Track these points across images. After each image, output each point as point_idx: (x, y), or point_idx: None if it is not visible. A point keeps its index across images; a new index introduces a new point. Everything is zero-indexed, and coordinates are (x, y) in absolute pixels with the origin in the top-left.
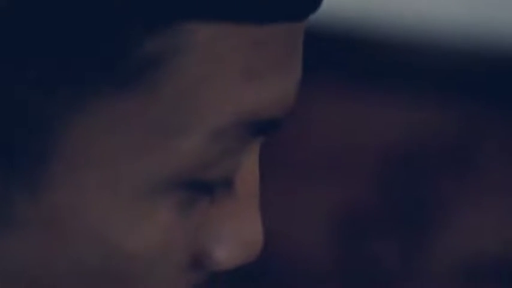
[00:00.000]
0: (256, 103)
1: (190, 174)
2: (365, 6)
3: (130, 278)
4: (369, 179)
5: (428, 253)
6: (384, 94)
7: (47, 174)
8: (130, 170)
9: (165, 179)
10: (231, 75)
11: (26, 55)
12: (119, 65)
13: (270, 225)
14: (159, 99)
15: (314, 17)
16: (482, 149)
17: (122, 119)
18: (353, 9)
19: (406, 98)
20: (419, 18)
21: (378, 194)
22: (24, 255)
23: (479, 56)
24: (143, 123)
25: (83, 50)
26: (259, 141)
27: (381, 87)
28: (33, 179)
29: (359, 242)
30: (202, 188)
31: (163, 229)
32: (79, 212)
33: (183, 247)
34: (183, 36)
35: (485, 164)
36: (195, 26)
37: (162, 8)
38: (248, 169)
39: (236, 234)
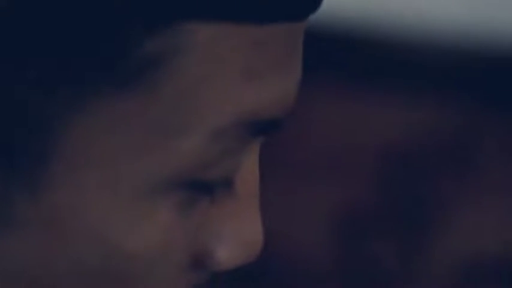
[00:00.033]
0: (257, 103)
1: (190, 174)
2: (365, 6)
3: (130, 278)
4: (369, 178)
5: (428, 253)
6: (383, 94)
7: (47, 174)
8: (131, 170)
9: (165, 179)
10: (231, 75)
11: (26, 55)
12: (119, 65)
13: (269, 225)
14: (159, 99)
15: (314, 17)
16: (481, 148)
17: (122, 119)
18: (353, 9)
19: (406, 98)
20: (419, 18)
21: (378, 194)
22: (24, 255)
23: (479, 56)
24: (143, 123)
25: (83, 50)
26: (260, 141)
27: (380, 87)
28: (33, 179)
29: (359, 242)
30: (202, 188)
31: (163, 229)
32: (79, 212)
33: (183, 247)
34: (183, 36)
35: (485, 164)
36: (195, 26)
37: (162, 8)
38: (248, 169)
39: (236, 234)
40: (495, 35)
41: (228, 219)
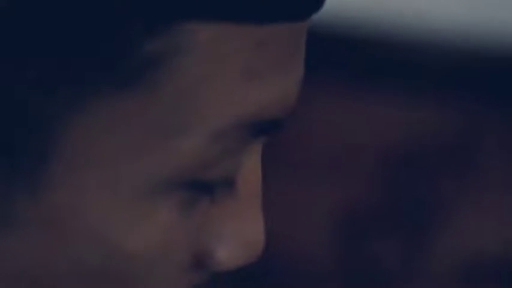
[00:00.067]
0: (257, 103)
1: (190, 174)
2: (365, 5)
3: (130, 278)
4: (370, 179)
5: (429, 253)
6: (383, 94)
7: (47, 174)
8: (131, 170)
9: (166, 179)
10: (232, 75)
11: (26, 55)
12: (119, 65)
13: (271, 225)
14: (159, 99)
15: (314, 16)
16: (482, 148)
17: (122, 119)
18: (353, 9)
19: (406, 98)
20: (419, 18)
21: (379, 194)
22: (24, 255)
23: (479, 56)
24: (143, 123)
25: (83, 50)
26: (261, 141)
27: (380, 87)
28: (34, 179)
29: (360, 242)
30: (203, 188)
31: (163, 229)
32: (79, 212)
33: (184, 247)
34: (184, 36)
35: (485, 164)
36: (195, 26)
37: (162, 8)
38: (250, 169)
39: (238, 234)
40: (495, 35)
41: (229, 219)
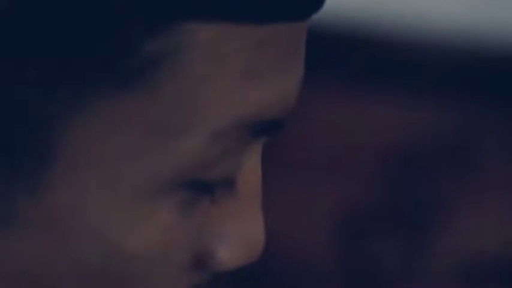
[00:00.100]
0: (258, 103)
1: (191, 174)
2: (364, 5)
3: (130, 278)
4: (370, 179)
5: (429, 253)
6: (383, 94)
7: (48, 174)
8: (131, 170)
9: (166, 179)
10: (232, 75)
11: (26, 55)
12: (119, 65)
13: (271, 225)
14: (159, 99)
15: (314, 16)
16: (482, 148)
17: (122, 119)
18: (352, 9)
19: (406, 98)
20: (419, 18)
21: (379, 194)
22: (24, 255)
23: (479, 56)
24: (143, 123)
25: (83, 50)
26: (261, 141)
27: (380, 87)
28: (34, 179)
29: (360, 242)
30: (203, 188)
31: (163, 229)
32: (79, 212)
33: (184, 247)
34: (184, 36)
35: (485, 163)
36: (195, 26)
37: (162, 8)
38: (250, 169)
39: (238, 234)
40: (495, 34)
41: (230, 219)
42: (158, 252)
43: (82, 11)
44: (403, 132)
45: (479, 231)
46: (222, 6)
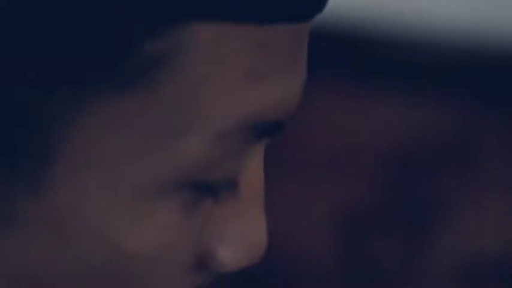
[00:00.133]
0: (260, 104)
1: (193, 175)
2: (364, 5)
3: (131, 278)
4: (370, 179)
5: (429, 253)
6: (383, 93)
7: (48, 174)
8: (131, 170)
9: (167, 179)
10: (234, 76)
11: (26, 55)
12: (119, 65)
13: (272, 225)
14: (160, 100)
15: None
16: (482, 148)
17: (123, 119)
18: (352, 9)
19: (406, 97)
20: (419, 17)
21: (379, 194)
22: (24, 255)
23: (479, 55)
24: (144, 123)
25: (83, 50)
26: (264, 142)
27: (380, 87)
28: (35, 179)
29: (360, 242)
30: (205, 189)
31: (165, 229)
32: (80, 212)
33: (186, 248)
34: (185, 36)
35: (485, 163)
36: (196, 27)
37: (162, 8)
38: (253, 170)
39: (240, 235)
40: (495, 34)
41: (232, 220)
42: (159, 253)
43: (82, 11)
44: (403, 132)
45: (479, 231)
46: (222, 6)
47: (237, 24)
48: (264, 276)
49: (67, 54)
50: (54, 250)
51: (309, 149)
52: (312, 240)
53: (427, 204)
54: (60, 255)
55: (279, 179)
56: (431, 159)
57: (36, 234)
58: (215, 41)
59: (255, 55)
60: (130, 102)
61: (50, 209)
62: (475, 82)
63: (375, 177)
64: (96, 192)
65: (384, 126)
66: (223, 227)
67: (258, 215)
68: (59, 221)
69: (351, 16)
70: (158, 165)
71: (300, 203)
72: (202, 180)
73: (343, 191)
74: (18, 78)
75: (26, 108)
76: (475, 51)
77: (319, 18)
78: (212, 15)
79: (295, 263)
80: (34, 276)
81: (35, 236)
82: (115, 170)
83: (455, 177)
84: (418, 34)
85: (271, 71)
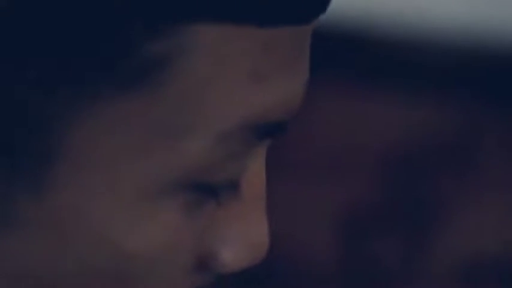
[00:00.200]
0: (263, 105)
1: (195, 177)
2: (364, 5)
3: (132, 278)
4: (370, 179)
5: (429, 253)
6: (383, 93)
7: (49, 174)
8: (134, 171)
9: (170, 180)
10: (237, 77)
11: (26, 55)
12: (119, 65)
13: (273, 226)
14: (163, 101)
15: None
16: (482, 147)
17: (125, 120)
18: (352, 8)
19: (406, 97)
20: (419, 17)
21: (379, 194)
22: (25, 255)
23: (479, 55)
24: (147, 124)
25: (83, 50)
26: (266, 144)
27: (380, 86)
28: (35, 179)
29: (361, 242)
30: (207, 190)
31: (167, 230)
32: (82, 213)
33: (188, 249)
34: (188, 37)
35: (485, 163)
36: (199, 28)
37: (162, 9)
38: (254, 172)
39: (242, 236)
40: (495, 33)
41: (234, 221)
42: (161, 254)
43: (82, 11)
44: (403, 132)
45: (479, 231)
46: (224, 8)
47: (239, 25)
48: (265, 276)
49: (67, 54)
50: (54, 250)
51: (309, 149)
52: (312, 241)
53: (427, 204)
54: (60, 255)
55: (280, 179)
56: (431, 159)
57: (36, 234)
58: (217, 42)
59: (257, 56)
60: (132, 103)
61: (50, 209)
62: (475, 82)
63: (374, 177)
64: (97, 193)
65: (384, 126)
66: (225, 228)
67: (259, 216)
68: (60, 221)
69: (351, 16)
70: (160, 166)
71: (300, 203)
72: (204, 182)
73: (343, 191)
74: (18, 78)
75: (26, 108)
76: (475, 50)
77: (320, 18)
78: (214, 17)
79: (296, 263)
80: (34, 276)
81: (35, 236)
82: (116, 170)
83: (455, 177)
84: (418, 34)
85: (273, 71)
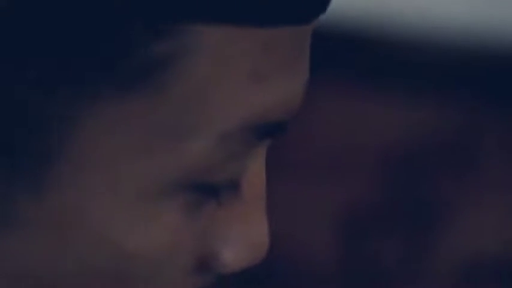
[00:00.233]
0: (263, 106)
1: (196, 177)
2: (364, 4)
3: (134, 279)
4: (370, 179)
5: (429, 253)
6: (383, 93)
7: (49, 174)
8: (135, 171)
9: (171, 181)
10: (239, 78)
11: (26, 55)
12: (120, 65)
13: (273, 226)
14: (165, 101)
15: None
16: (482, 147)
17: (126, 120)
18: (352, 8)
19: (406, 97)
20: (419, 17)
21: (379, 194)
22: (25, 255)
23: (480, 55)
24: (148, 125)
25: (83, 50)
26: (266, 144)
27: (380, 86)
28: (35, 179)
29: (362, 242)
30: (208, 190)
31: (168, 231)
32: (82, 213)
33: (189, 249)
34: (191, 38)
35: (485, 163)
36: (202, 28)
37: (161, 9)
38: (255, 172)
39: (243, 236)
40: (496, 33)
41: (235, 221)
42: (162, 254)
43: (82, 11)
44: (403, 132)
45: (479, 231)
46: (226, 9)
47: (240, 26)
48: (265, 276)
49: (67, 54)
50: (54, 250)
51: (309, 149)
52: (312, 241)
53: (427, 204)
54: (60, 255)
55: (280, 179)
56: (432, 159)
57: (36, 234)
58: (220, 43)
59: (258, 56)
60: (134, 104)
61: (50, 209)
62: (475, 82)
63: (374, 177)
64: (97, 193)
65: (384, 126)
66: (225, 229)
67: (260, 216)
68: (60, 221)
69: (351, 16)
70: (160, 166)
71: (300, 203)
72: (205, 182)
73: (343, 191)
74: (18, 78)
75: (26, 108)
76: (475, 50)
77: (320, 18)
78: (215, 18)
79: (296, 263)
80: (35, 276)
81: (35, 236)
82: (117, 170)
83: (455, 177)
84: (418, 34)
85: (273, 72)
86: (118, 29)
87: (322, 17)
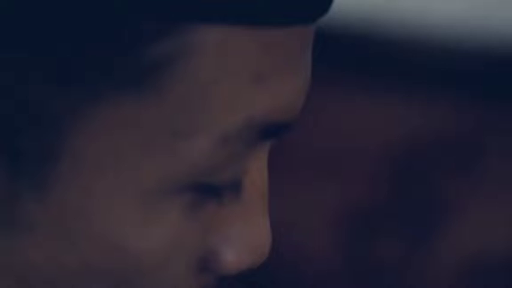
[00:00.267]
0: (265, 106)
1: (198, 177)
2: (364, 4)
3: (137, 279)
4: (371, 179)
5: (430, 253)
6: (384, 93)
7: (53, 174)
8: (138, 171)
9: (173, 181)
10: (241, 78)
11: (26, 55)
12: (121, 66)
13: (274, 226)
14: (166, 102)
15: None
16: (483, 147)
17: (128, 121)
18: (351, 8)
19: (406, 97)
20: (419, 17)
21: (381, 194)
22: (30, 254)
23: (480, 55)
24: (150, 125)
25: (83, 51)
26: (268, 145)
27: (381, 86)
28: (39, 178)
29: (363, 243)
30: (210, 190)
31: (170, 231)
32: (86, 212)
33: (191, 249)
34: (194, 38)
35: (485, 162)
36: (204, 29)
37: (162, 10)
38: (256, 172)
39: (244, 237)
40: (496, 33)
41: (236, 222)
42: (164, 253)
43: (82, 11)
44: (404, 132)
45: (480, 231)
46: (226, 9)
47: (242, 26)
48: (265, 276)
49: (67, 54)
50: (58, 249)
51: (309, 149)
52: (312, 241)
53: (428, 204)
54: (66, 255)
55: (280, 179)
56: (432, 159)
57: (41, 233)
58: (222, 43)
59: (260, 57)
60: (135, 104)
61: (54, 208)
62: (475, 82)
63: (375, 178)
64: (101, 193)
65: (385, 126)
66: (227, 229)
67: (261, 218)
68: (63, 221)
69: (351, 16)
70: (163, 166)
71: (300, 204)
72: (207, 182)
73: (344, 191)
74: (19, 79)
75: (26, 108)
76: (475, 50)
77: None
78: (216, 18)
79: (296, 263)
80: (38, 275)
81: (39, 236)
82: (120, 170)
83: (455, 177)
84: (418, 34)
85: (276, 72)
86: (118, 29)
87: (325, 18)
